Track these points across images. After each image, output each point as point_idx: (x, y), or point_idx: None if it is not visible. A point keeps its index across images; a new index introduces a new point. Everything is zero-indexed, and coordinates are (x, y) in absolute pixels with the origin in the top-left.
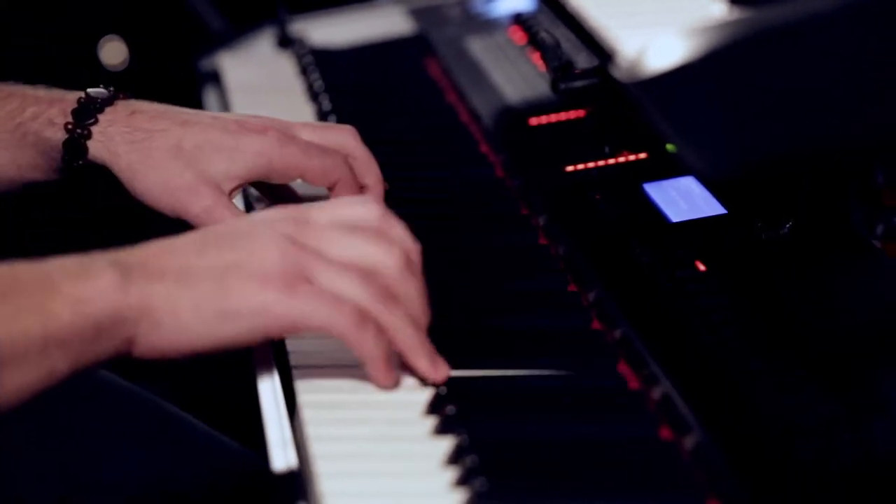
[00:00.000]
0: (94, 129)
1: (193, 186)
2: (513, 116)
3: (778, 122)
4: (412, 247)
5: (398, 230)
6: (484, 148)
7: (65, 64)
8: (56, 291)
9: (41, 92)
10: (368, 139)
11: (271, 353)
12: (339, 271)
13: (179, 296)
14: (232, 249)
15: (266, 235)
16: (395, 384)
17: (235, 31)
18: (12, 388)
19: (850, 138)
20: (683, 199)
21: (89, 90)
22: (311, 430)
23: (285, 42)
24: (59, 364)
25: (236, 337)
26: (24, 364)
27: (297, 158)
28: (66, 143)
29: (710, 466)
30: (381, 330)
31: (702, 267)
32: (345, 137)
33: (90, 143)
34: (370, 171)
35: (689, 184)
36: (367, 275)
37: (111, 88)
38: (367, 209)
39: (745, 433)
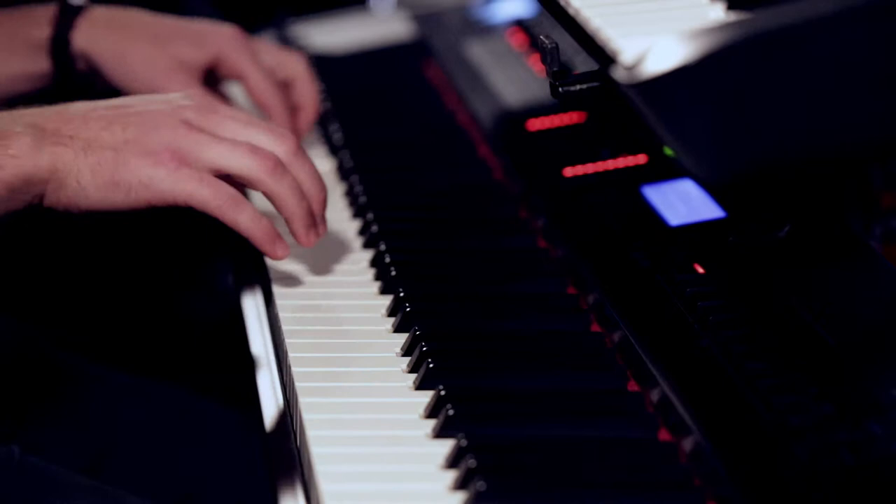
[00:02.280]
0: (78, 21)
1: (170, 70)
2: (512, 120)
3: (776, 125)
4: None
5: (307, 166)
6: (483, 151)
7: None
8: None
9: (27, 7)
10: (369, 144)
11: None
12: (228, 147)
13: (83, 162)
14: (134, 127)
15: (167, 118)
16: (279, 255)
17: None
18: None
19: (848, 141)
20: (682, 203)
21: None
22: (311, 432)
23: (286, 46)
24: None
25: (125, 203)
26: None
27: (244, 60)
28: (52, 39)
29: (709, 468)
30: (254, 211)
31: (700, 269)
32: (294, 59)
33: (75, 35)
34: (309, 94)
35: (687, 187)
36: (255, 149)
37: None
38: (281, 138)
39: (744, 435)
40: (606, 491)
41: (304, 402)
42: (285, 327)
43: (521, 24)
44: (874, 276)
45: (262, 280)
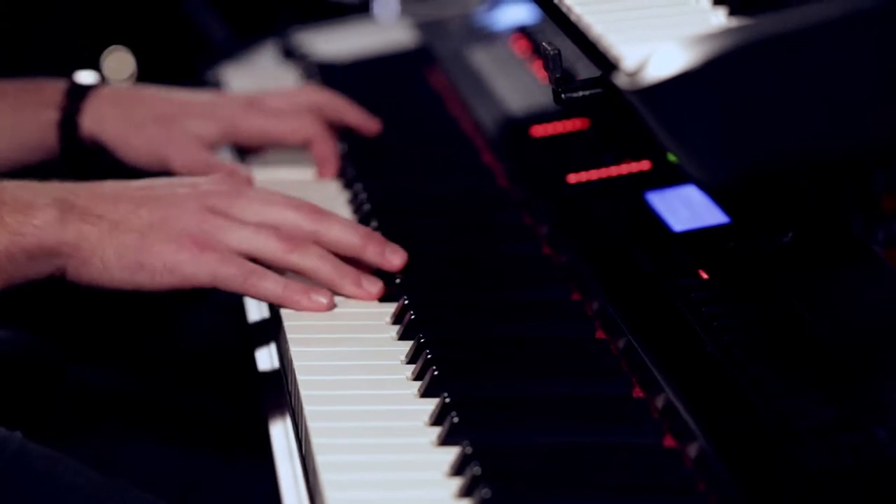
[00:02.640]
0: (84, 105)
1: (176, 143)
2: (515, 127)
3: (778, 130)
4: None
5: (336, 224)
6: (487, 158)
7: (69, 76)
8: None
9: (34, 82)
10: (373, 150)
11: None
12: (251, 230)
13: (108, 242)
14: (161, 212)
15: (192, 203)
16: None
17: (240, 43)
18: None
19: (850, 146)
20: (686, 208)
21: (74, 77)
22: (316, 439)
23: (289, 54)
24: None
25: (150, 285)
26: None
27: (263, 121)
28: (60, 122)
29: (714, 474)
30: (276, 277)
31: (704, 275)
32: (308, 93)
33: (82, 118)
34: (346, 111)
35: (691, 193)
36: (277, 230)
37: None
38: (301, 210)
39: (748, 440)
40: (612, 497)
41: (308, 409)
42: (290, 335)
43: (524, 31)
44: (877, 280)
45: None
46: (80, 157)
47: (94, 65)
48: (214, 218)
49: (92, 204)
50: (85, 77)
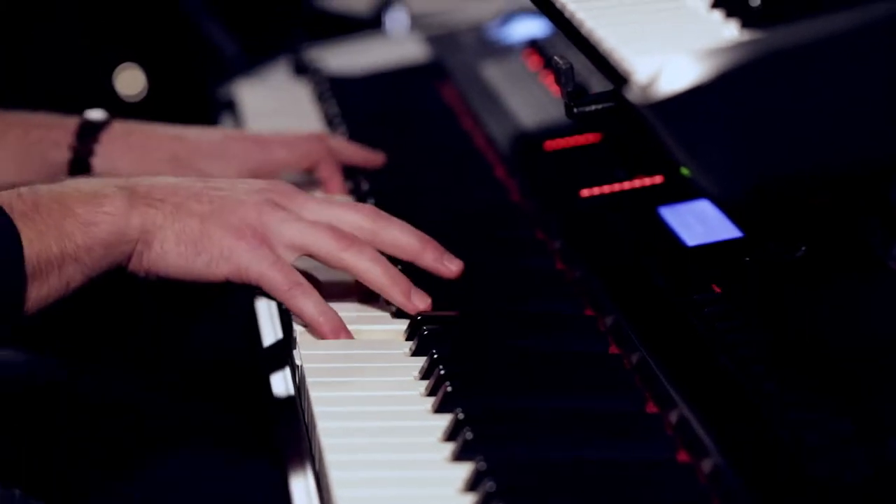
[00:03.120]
0: (96, 147)
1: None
2: (528, 141)
3: (791, 143)
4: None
5: (394, 225)
6: (500, 173)
7: (81, 93)
8: (71, 215)
9: (41, 117)
10: (385, 165)
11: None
12: (307, 225)
13: (169, 226)
14: (220, 201)
15: (252, 197)
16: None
17: (252, 60)
18: (36, 299)
19: (864, 159)
20: (699, 223)
21: (86, 114)
22: (329, 456)
23: (301, 69)
24: (74, 277)
25: (204, 273)
26: (45, 279)
27: (274, 154)
28: (71, 162)
29: (728, 489)
30: (319, 300)
31: (718, 290)
32: (311, 132)
33: (93, 161)
34: (349, 149)
35: (704, 207)
36: (334, 229)
37: (106, 114)
38: (360, 211)
39: (763, 455)
40: None
41: (321, 426)
42: (303, 351)
43: (535, 45)
44: (892, 295)
45: (279, 304)
46: None
47: (107, 81)
48: (273, 210)
49: (152, 189)
50: (94, 114)
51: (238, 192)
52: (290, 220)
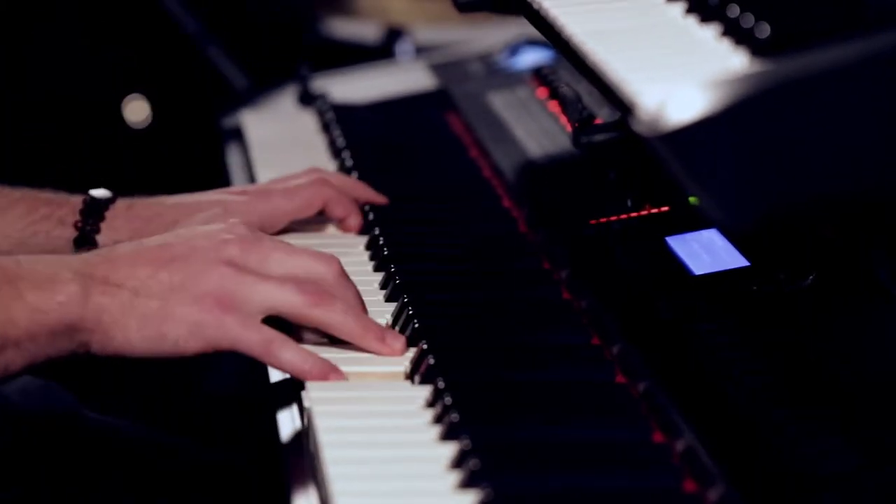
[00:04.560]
0: (102, 224)
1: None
2: (535, 170)
3: (799, 173)
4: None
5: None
6: (506, 203)
7: (89, 122)
8: (20, 299)
9: (47, 194)
10: (391, 195)
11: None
12: (274, 285)
13: (130, 312)
14: (180, 273)
15: (212, 258)
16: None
17: (258, 89)
18: None
19: (872, 189)
20: (706, 252)
21: (91, 192)
22: (336, 485)
23: (307, 99)
24: (13, 361)
25: (172, 352)
26: None
27: (276, 203)
28: (76, 240)
29: None
30: (297, 349)
31: (725, 319)
32: (312, 170)
33: (99, 237)
34: (354, 186)
35: (711, 236)
36: (302, 283)
37: (111, 193)
38: (326, 262)
39: (770, 485)
40: None
41: (328, 455)
42: (312, 393)
43: (542, 73)
44: None
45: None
46: None
47: (115, 112)
48: (235, 274)
49: (110, 272)
50: (98, 192)
51: (198, 255)
52: (254, 282)
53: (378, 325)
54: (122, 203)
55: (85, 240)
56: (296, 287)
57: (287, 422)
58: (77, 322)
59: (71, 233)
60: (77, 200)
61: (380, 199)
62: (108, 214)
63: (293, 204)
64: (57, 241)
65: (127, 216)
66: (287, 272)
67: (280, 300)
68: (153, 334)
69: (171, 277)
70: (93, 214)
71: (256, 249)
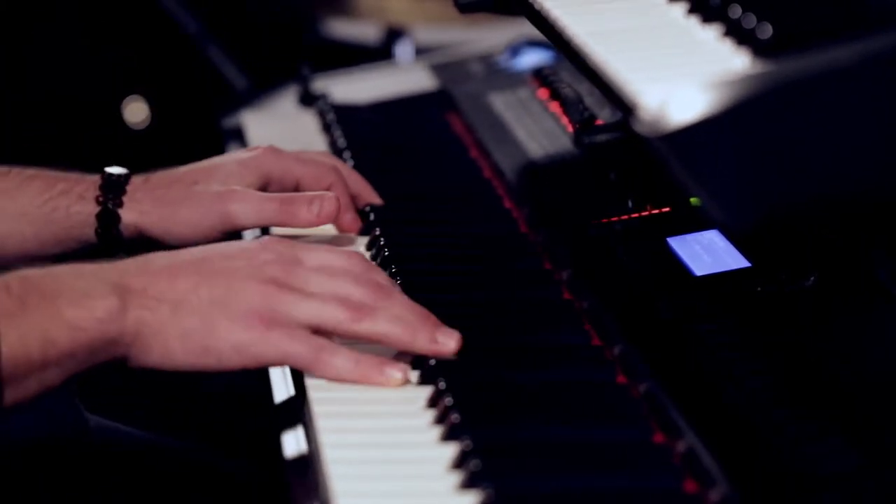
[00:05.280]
0: (125, 198)
1: (222, 194)
2: (536, 171)
3: (801, 173)
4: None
5: (381, 275)
6: (507, 203)
7: (89, 123)
8: (58, 317)
9: (61, 172)
10: (392, 195)
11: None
12: (317, 303)
13: (170, 327)
14: (222, 289)
15: (253, 278)
16: (393, 382)
17: (258, 89)
18: (10, 401)
19: (875, 190)
20: (707, 253)
21: (106, 169)
22: (338, 485)
23: (308, 99)
24: (54, 379)
25: (217, 367)
26: (23, 382)
27: (291, 164)
28: (99, 214)
29: None
30: (347, 353)
31: (726, 319)
32: (326, 154)
33: (122, 212)
34: (360, 187)
35: (712, 237)
36: (344, 300)
37: (125, 170)
38: (352, 259)
39: (771, 486)
40: None
41: (330, 455)
42: (309, 381)
43: (543, 74)
44: None
45: None
46: (118, 247)
47: (115, 112)
48: (278, 292)
49: (148, 284)
50: (114, 169)
51: (239, 274)
52: (299, 300)
53: (426, 325)
54: (138, 178)
55: (109, 215)
56: (339, 303)
57: (291, 440)
58: (116, 337)
59: (92, 208)
60: (94, 177)
61: (376, 198)
62: (128, 188)
63: (304, 169)
64: (77, 216)
65: (146, 188)
66: (325, 290)
67: (326, 317)
68: (196, 349)
69: (212, 293)
70: (113, 189)
71: (297, 269)
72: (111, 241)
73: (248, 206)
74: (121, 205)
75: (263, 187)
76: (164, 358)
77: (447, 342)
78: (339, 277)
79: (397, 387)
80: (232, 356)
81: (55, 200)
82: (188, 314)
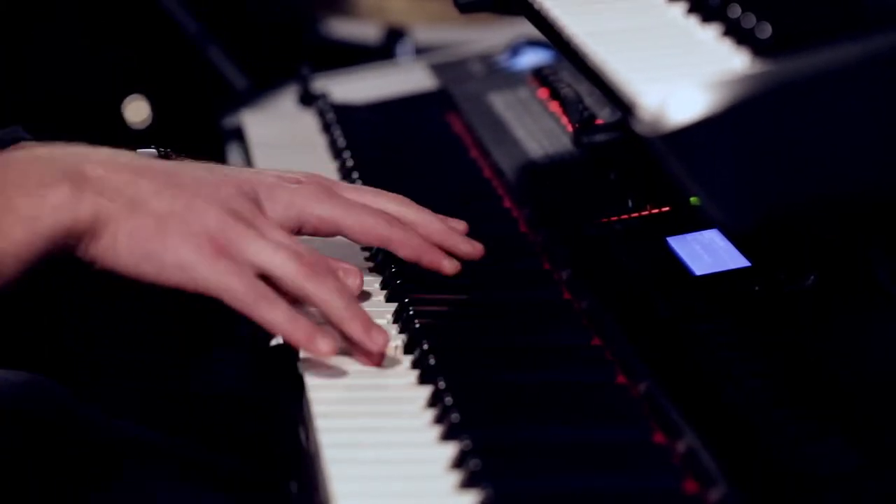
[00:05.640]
0: None
1: None
2: (535, 171)
3: (801, 173)
4: None
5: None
6: (507, 203)
7: (89, 122)
8: (11, 210)
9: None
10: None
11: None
12: (271, 246)
13: (123, 220)
14: (184, 201)
15: (217, 203)
16: (322, 350)
17: (258, 89)
18: None
19: (874, 190)
20: (707, 253)
21: (138, 150)
22: (334, 485)
23: (307, 99)
24: (12, 272)
25: (154, 278)
26: None
27: (333, 213)
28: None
29: None
30: (288, 308)
31: (725, 319)
32: (390, 206)
33: None
34: (431, 232)
35: (712, 237)
36: (297, 253)
37: (161, 150)
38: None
39: (771, 486)
40: None
41: (327, 454)
42: (308, 381)
43: (543, 73)
44: None
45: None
46: None
47: (116, 112)
48: (237, 223)
49: (110, 175)
50: (146, 151)
51: (206, 192)
52: (254, 237)
53: (366, 315)
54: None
55: None
56: (293, 254)
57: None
58: (70, 224)
59: None
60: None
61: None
62: None
63: (345, 220)
64: None
65: None
66: (283, 241)
67: (275, 262)
68: (140, 252)
69: (172, 203)
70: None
71: (263, 211)
72: None
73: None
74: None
75: (296, 227)
76: (107, 251)
77: (377, 338)
78: (305, 195)
79: (323, 356)
80: (173, 272)
81: None
82: (143, 215)
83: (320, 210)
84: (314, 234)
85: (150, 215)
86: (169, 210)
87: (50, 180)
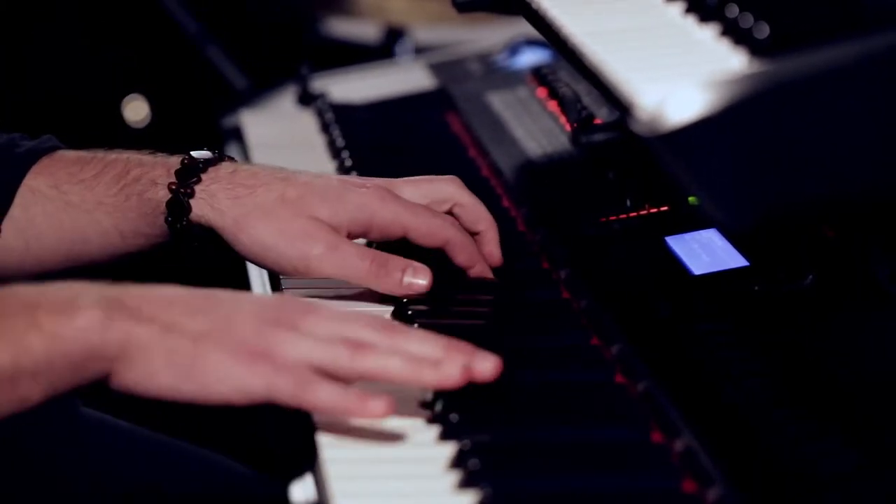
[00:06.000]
0: (197, 187)
1: (309, 230)
2: (534, 171)
3: (799, 173)
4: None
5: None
6: (505, 203)
7: (89, 122)
8: (36, 325)
9: (145, 156)
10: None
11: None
12: (314, 343)
13: (158, 344)
14: (220, 320)
15: (255, 314)
16: (381, 413)
17: (258, 89)
18: None
19: (872, 190)
20: (706, 252)
21: (192, 152)
22: (333, 485)
23: (306, 99)
24: (30, 392)
25: (197, 396)
26: None
27: (400, 215)
28: (169, 203)
29: None
30: (333, 384)
31: (724, 319)
32: (448, 189)
33: (193, 202)
34: (480, 217)
35: (711, 236)
36: (344, 339)
37: (216, 151)
38: (374, 326)
39: (769, 486)
40: None
41: (327, 454)
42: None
43: (541, 73)
44: None
45: None
46: (190, 239)
47: (115, 112)
48: (276, 329)
49: (144, 304)
50: (200, 153)
51: (241, 310)
52: (295, 338)
53: (423, 357)
54: (225, 167)
55: (177, 204)
56: (338, 342)
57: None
58: (98, 348)
59: (164, 194)
60: (174, 161)
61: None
62: (205, 177)
63: (412, 222)
64: (149, 203)
65: (228, 183)
66: (335, 335)
67: (320, 354)
68: (180, 373)
69: (208, 322)
70: (188, 176)
71: (307, 315)
72: (180, 232)
73: (333, 258)
74: (191, 195)
75: (364, 231)
76: (145, 377)
77: (451, 371)
78: (348, 323)
79: (379, 419)
80: (216, 386)
81: (129, 188)
82: (178, 337)
83: (388, 212)
84: (382, 237)
85: (186, 336)
86: (206, 329)
87: (80, 303)
